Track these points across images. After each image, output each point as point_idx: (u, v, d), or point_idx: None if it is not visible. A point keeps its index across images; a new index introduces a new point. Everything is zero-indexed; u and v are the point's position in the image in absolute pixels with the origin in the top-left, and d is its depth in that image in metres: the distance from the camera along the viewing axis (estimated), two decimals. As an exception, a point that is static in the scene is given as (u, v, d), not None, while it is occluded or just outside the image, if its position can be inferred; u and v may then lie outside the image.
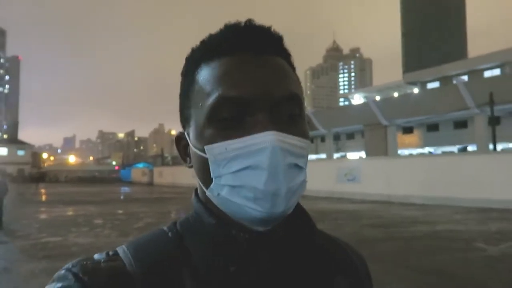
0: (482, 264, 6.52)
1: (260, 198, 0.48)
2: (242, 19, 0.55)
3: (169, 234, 0.56)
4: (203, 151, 0.51)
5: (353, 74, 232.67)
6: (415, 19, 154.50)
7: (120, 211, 16.01)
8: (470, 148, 30.08)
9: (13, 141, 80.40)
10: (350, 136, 42.22)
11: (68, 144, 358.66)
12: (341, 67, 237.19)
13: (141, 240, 0.55)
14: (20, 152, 70.78)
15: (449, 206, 15.97)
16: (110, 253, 0.53)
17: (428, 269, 6.20)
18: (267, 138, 0.47)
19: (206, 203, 0.56)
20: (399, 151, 34.90)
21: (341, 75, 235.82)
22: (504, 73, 35.21)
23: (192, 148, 0.55)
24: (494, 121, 21.94)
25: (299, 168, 0.51)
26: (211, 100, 0.50)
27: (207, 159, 0.51)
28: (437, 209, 15.45)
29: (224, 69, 0.52)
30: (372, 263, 0.63)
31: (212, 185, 0.52)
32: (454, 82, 34.65)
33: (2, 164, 60.39)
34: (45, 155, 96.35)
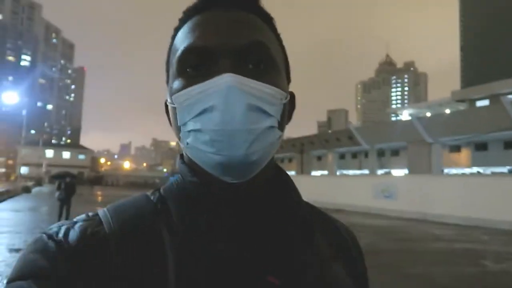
0: (473, 278, 6.98)
1: (216, 140, 0.47)
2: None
3: (152, 197, 0.56)
4: (173, 102, 0.52)
5: (406, 88, 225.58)
6: (475, 33, 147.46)
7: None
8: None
9: (75, 146, 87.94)
10: (395, 152, 41.58)
11: (124, 150, 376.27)
12: (394, 81, 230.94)
13: (122, 202, 0.56)
14: (81, 156, 76.61)
15: (483, 228, 15.78)
16: (90, 214, 0.54)
17: (417, 277, 6.82)
18: (223, 80, 0.47)
19: (190, 165, 0.56)
20: (446, 170, 33.98)
21: (393, 90, 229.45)
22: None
23: (168, 105, 0.56)
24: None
25: (266, 113, 0.50)
26: (178, 53, 0.52)
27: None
28: (470, 229, 15.35)
29: (192, 25, 0.54)
30: (370, 265, 0.71)
31: (181, 134, 0.52)
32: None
33: (65, 166, 66.02)
34: (102, 160, 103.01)
